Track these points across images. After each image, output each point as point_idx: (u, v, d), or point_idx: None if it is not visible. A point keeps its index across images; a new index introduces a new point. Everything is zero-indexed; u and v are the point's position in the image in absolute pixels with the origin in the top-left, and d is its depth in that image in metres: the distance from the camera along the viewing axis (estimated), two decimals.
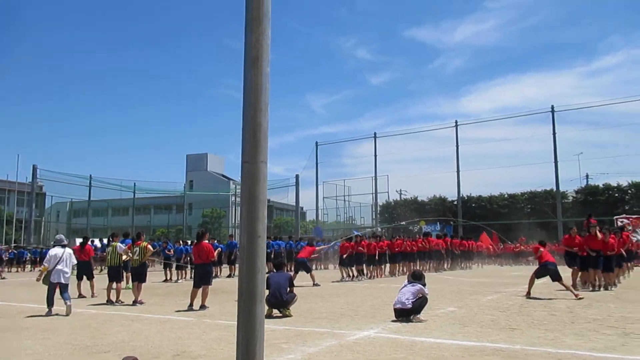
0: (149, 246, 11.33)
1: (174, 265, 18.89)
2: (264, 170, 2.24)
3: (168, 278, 18.22)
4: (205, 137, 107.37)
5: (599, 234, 12.94)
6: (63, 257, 9.33)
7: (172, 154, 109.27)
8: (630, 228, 31.71)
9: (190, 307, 9.51)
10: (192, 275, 13.57)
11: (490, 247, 32.58)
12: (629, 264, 17.55)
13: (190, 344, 6.11)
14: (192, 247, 14.67)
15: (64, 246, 9.63)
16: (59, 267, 9.17)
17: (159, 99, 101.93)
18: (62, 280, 9.17)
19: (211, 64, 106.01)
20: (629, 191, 40.14)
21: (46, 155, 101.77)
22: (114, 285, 11.11)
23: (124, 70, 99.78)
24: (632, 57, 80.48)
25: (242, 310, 2.17)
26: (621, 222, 33.56)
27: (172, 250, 19.57)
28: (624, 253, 14.69)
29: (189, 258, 18.37)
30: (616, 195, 40.21)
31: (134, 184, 47.71)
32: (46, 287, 9.20)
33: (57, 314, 8.91)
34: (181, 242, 21.53)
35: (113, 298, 10.94)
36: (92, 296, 12.24)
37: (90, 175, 43.41)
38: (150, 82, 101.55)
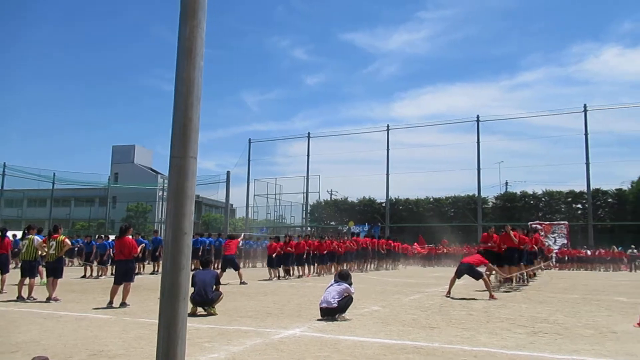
0: (67, 240, 10.76)
1: (96, 261, 18.08)
2: (193, 165, 2.19)
3: (88, 274, 17.41)
4: (133, 128, 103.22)
5: (511, 232, 14.10)
6: None
7: (97, 145, 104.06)
8: (542, 234, 33.93)
9: (110, 305, 9.12)
10: (113, 272, 13.02)
11: (422, 249, 33.78)
12: (541, 263, 19.02)
13: (108, 343, 5.87)
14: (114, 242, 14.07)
15: None
16: None
17: (86, 87, 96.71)
18: None
19: (140, 53, 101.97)
20: (543, 199, 42.90)
21: None
22: (26, 280, 10.46)
23: (50, 61, 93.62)
24: (550, 75, 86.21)
25: (164, 307, 2.11)
26: (533, 227, 35.84)
27: (94, 247, 18.73)
28: (535, 249, 16.22)
29: (110, 254, 17.68)
30: (531, 202, 42.85)
31: (54, 174, 45.13)
32: None
33: None
34: (103, 236, 20.60)
35: (25, 294, 10.28)
36: (0, 292, 11.44)
37: (4, 163, 40.56)
38: (75, 74, 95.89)
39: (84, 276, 17.07)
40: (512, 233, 14.07)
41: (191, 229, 2.17)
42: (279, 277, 17.34)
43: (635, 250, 30.35)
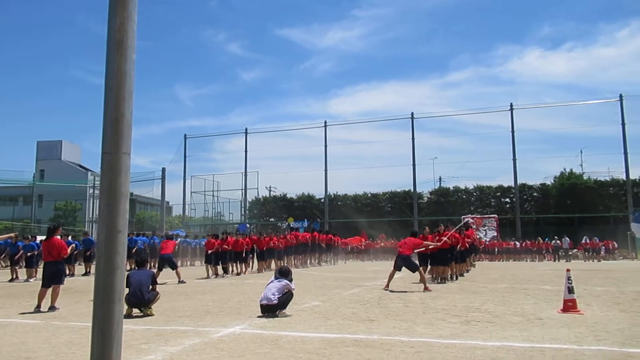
0: None
1: (23, 263, 17.05)
2: (127, 161, 2.10)
3: (14, 277, 16.42)
4: (58, 123, 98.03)
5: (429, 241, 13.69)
6: None
7: (20, 140, 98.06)
8: (474, 227, 35.39)
9: (38, 309, 8.65)
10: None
11: (361, 244, 34.30)
12: (472, 257, 19.79)
13: (36, 349, 5.57)
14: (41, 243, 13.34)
15: None
16: None
17: (7, 78, 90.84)
18: None
19: (64, 43, 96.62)
20: (474, 193, 44.71)
21: None
22: None
23: None
24: (478, 75, 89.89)
25: (97, 309, 2.03)
26: (466, 221, 37.31)
27: (20, 248, 17.67)
28: (467, 247, 16.53)
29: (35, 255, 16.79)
30: (464, 197, 44.54)
31: None
32: None
33: None
34: (30, 237, 19.48)
35: None
36: None
37: None
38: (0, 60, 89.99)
39: (12, 279, 16.09)
40: (433, 239, 13.92)
41: (126, 227, 2.09)
42: (216, 275, 17.09)
43: (558, 241, 32.29)
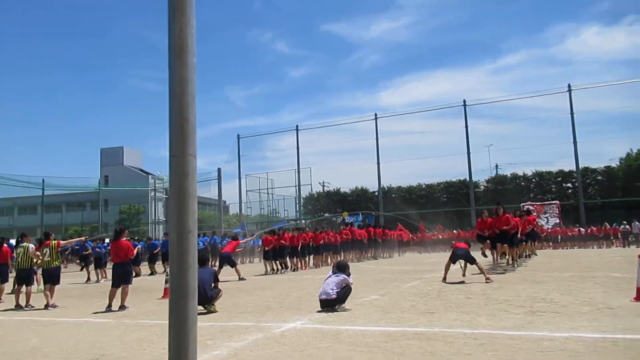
0: (60, 242, 10.74)
1: (92, 265, 17.98)
2: (193, 163, 2.19)
3: (90, 279, 17.36)
4: (120, 130, 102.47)
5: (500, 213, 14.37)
6: None
7: (85, 149, 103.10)
8: (534, 214, 34.20)
9: (109, 308, 9.10)
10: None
11: (407, 235, 33.86)
12: (533, 244, 19.22)
13: (109, 347, 5.86)
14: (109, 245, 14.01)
15: None
16: None
17: (68, 91, 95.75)
18: None
19: (124, 56, 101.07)
20: (533, 180, 43.15)
21: None
22: (23, 288, 10.40)
23: (31, 60, 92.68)
24: (532, 57, 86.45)
25: (173, 307, 2.12)
26: (526, 209, 36.09)
27: (89, 249, 18.62)
28: (527, 231, 16.44)
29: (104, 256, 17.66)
30: (522, 184, 43.08)
31: (43, 180, 44.71)
32: None
33: None
34: (98, 240, 20.48)
35: (22, 303, 10.23)
36: None
37: None
38: (59, 73, 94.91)
39: (87, 281, 16.93)
40: (504, 216, 14.26)
41: (195, 227, 2.17)
42: (275, 271, 17.38)
43: (627, 226, 30.68)
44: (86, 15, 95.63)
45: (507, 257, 14.60)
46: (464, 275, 12.03)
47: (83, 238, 17.72)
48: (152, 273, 19.66)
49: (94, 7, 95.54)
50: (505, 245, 14.29)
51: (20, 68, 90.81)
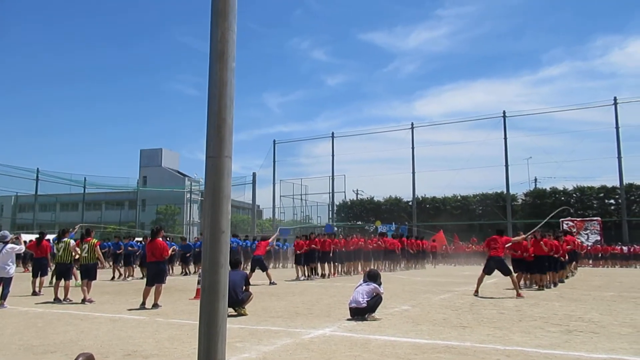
0: (98, 249, 11.04)
1: (122, 262, 18.42)
2: (229, 165, 2.22)
3: (116, 276, 17.79)
4: (159, 133, 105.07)
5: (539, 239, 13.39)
6: (2, 252, 9.57)
7: (125, 150, 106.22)
8: (574, 230, 33.19)
9: (143, 306, 9.28)
10: (144, 274, 13.27)
11: (445, 246, 33.38)
12: (573, 264, 18.45)
13: (142, 343, 5.97)
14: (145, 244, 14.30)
15: (5, 242, 9.78)
16: None
17: (110, 96, 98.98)
18: (3, 275, 9.51)
19: (164, 60, 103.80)
20: (574, 195, 41.92)
21: None
22: (62, 282, 10.74)
23: (77, 68, 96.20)
24: (574, 69, 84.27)
25: (204, 305, 2.15)
26: (566, 224, 35.05)
27: (122, 248, 19.05)
28: (566, 257, 15.38)
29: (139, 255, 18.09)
30: (562, 198, 41.91)
31: (85, 178, 46.20)
32: None
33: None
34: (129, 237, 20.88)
35: (61, 296, 10.55)
36: (38, 294, 11.75)
37: (38, 168, 41.80)
38: (102, 80, 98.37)
39: (113, 278, 17.38)
40: (541, 241, 13.32)
41: (228, 228, 2.20)
42: (306, 276, 17.37)
43: None
44: (127, 22, 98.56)
45: (544, 287, 13.25)
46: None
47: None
48: (186, 273, 20.00)
49: (135, 15, 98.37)
50: (543, 275, 13.30)
51: (68, 76, 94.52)
